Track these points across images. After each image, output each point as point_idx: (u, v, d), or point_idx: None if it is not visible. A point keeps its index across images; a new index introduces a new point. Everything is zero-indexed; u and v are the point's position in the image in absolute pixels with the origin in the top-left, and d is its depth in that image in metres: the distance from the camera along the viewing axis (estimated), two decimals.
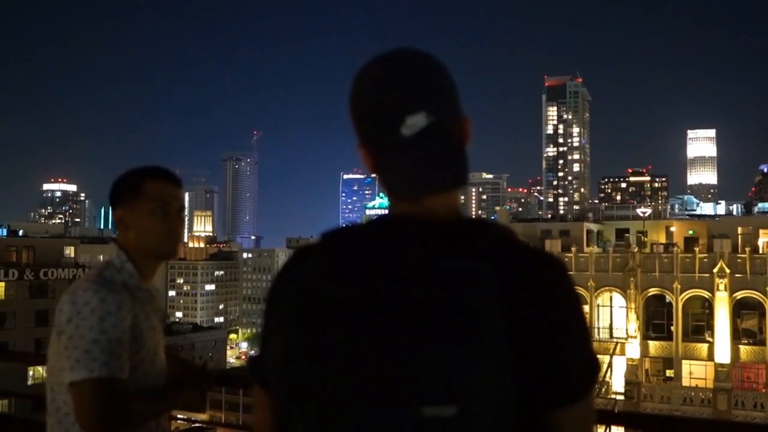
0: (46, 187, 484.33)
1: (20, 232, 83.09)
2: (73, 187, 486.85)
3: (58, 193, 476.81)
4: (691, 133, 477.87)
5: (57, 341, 2.33)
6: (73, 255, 72.86)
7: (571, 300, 1.34)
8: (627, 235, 51.55)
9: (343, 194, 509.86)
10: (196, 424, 55.74)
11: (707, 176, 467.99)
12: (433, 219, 1.32)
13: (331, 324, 1.16)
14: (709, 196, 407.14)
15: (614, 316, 46.83)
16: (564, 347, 1.29)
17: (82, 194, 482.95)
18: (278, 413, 1.23)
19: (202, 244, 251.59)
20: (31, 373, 57.07)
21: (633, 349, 45.31)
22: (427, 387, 1.12)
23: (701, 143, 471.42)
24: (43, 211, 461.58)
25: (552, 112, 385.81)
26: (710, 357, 44.20)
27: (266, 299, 1.42)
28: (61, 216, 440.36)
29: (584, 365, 1.32)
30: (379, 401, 1.12)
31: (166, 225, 2.52)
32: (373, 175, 1.42)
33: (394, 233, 1.30)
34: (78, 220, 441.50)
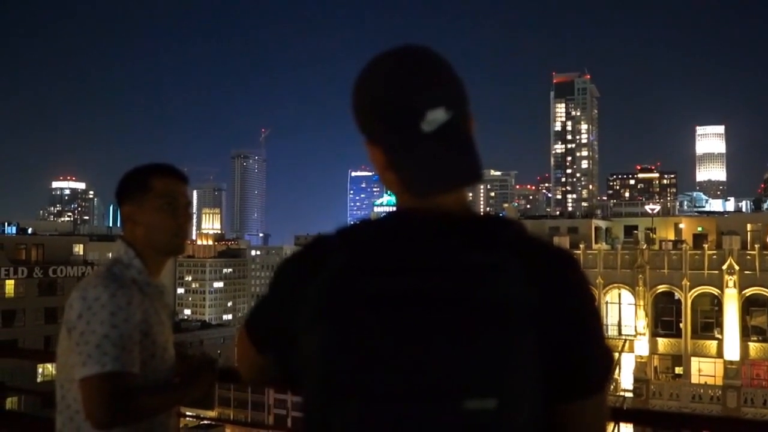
0: (55, 185, 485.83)
1: (29, 230, 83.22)
2: (81, 185, 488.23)
3: (67, 191, 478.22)
4: (700, 130, 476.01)
5: (67, 337, 2.33)
6: (82, 253, 73.09)
7: (588, 293, 1.35)
8: (635, 232, 51.40)
9: (351, 191, 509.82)
10: (205, 421, 55.63)
11: (716, 173, 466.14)
12: (449, 212, 1.32)
13: (369, 319, 1.16)
14: (718, 192, 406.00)
15: (623, 313, 46.70)
16: (584, 340, 1.30)
17: (91, 192, 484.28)
18: (311, 410, 1.23)
19: (210, 242, 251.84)
20: (40, 370, 57.29)
21: (642, 347, 45.19)
22: (469, 380, 1.12)
23: (710, 140, 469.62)
24: (52, 209, 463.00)
25: (560, 108, 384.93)
26: (719, 354, 44.05)
27: (280, 286, 1.42)
28: (69, 214, 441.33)
29: (601, 357, 1.34)
30: (420, 395, 1.12)
31: (174, 221, 2.53)
32: (380, 168, 1.38)
33: (417, 228, 1.29)
34: (87, 217, 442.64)
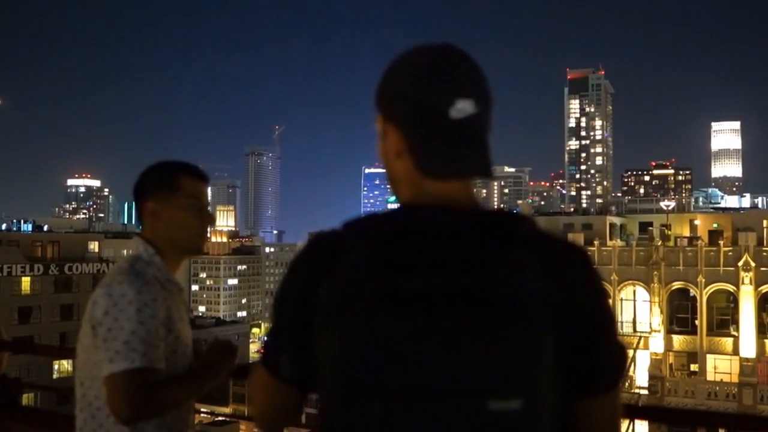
0: (70, 182, 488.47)
1: (45, 228, 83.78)
2: (97, 183, 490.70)
3: (82, 189, 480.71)
4: (715, 125, 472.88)
5: (91, 335, 2.34)
6: (97, 250, 73.42)
7: (602, 288, 1.36)
8: (650, 228, 51.14)
9: (365, 188, 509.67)
10: (220, 418, 56.07)
11: (732, 169, 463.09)
12: (457, 205, 1.33)
13: (391, 317, 1.15)
14: (734, 188, 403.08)
15: (637, 310, 46.51)
16: (599, 336, 1.31)
17: (106, 189, 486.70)
18: (331, 410, 1.21)
19: (224, 239, 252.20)
20: (56, 366, 57.70)
21: (657, 344, 44.99)
22: (493, 380, 1.11)
23: (726, 135, 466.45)
24: (68, 206, 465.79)
25: (574, 105, 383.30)
26: (735, 351, 43.79)
27: (289, 290, 1.39)
28: (85, 211, 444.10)
29: (616, 353, 1.34)
30: (443, 395, 1.11)
31: (199, 222, 2.56)
32: (393, 153, 1.38)
33: (432, 223, 1.28)
34: (102, 215, 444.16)
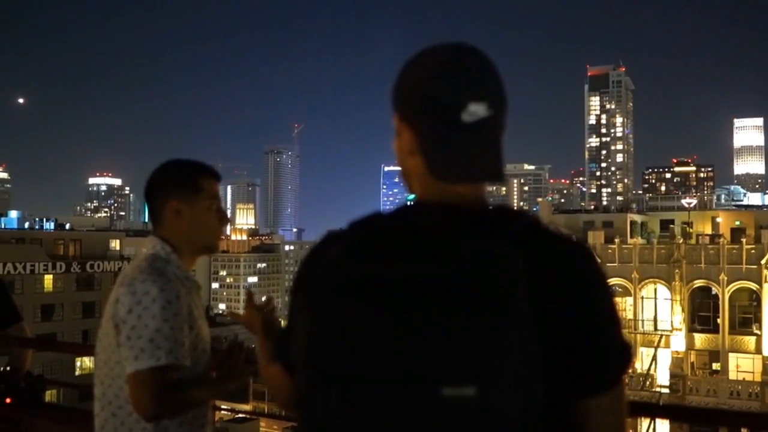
0: (91, 181, 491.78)
1: (67, 226, 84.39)
2: (118, 181, 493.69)
3: (104, 187, 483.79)
4: (738, 122, 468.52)
5: (113, 333, 2.35)
6: (118, 248, 74.02)
7: (599, 284, 1.34)
8: (672, 226, 50.86)
9: (384, 186, 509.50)
10: (240, 415, 56.24)
11: (755, 166, 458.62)
12: (462, 205, 1.34)
13: (354, 304, 1.16)
14: (757, 186, 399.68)
15: (659, 308, 46.20)
16: (595, 333, 1.29)
17: (127, 188, 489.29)
18: (300, 395, 1.23)
19: (244, 237, 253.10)
20: (78, 363, 58.13)
21: (678, 342, 44.69)
22: (447, 366, 1.10)
23: (748, 132, 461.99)
24: (89, 204, 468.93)
25: (595, 101, 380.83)
26: (758, 350, 43.42)
27: (293, 284, 1.45)
28: (106, 209, 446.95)
29: (615, 352, 1.32)
30: (399, 381, 1.11)
31: (218, 222, 2.61)
32: (406, 152, 1.40)
33: (420, 217, 1.32)
34: (123, 213, 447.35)
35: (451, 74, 1.32)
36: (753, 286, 43.74)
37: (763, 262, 43.06)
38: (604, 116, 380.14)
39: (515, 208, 1.39)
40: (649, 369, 43.71)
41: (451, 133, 1.32)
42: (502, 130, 1.39)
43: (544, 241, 1.32)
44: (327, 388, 1.15)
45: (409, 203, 1.41)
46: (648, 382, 43.04)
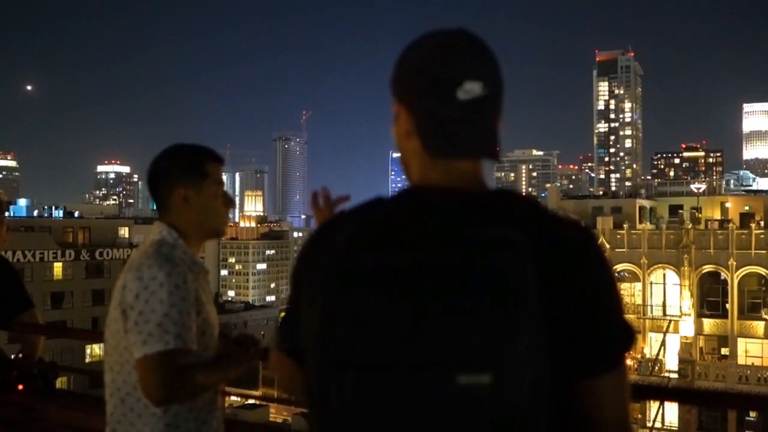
0: (100, 168, 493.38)
1: (76, 214, 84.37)
2: (126, 169, 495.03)
3: (112, 175, 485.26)
4: (747, 107, 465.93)
5: (121, 319, 2.36)
6: (127, 235, 74.12)
7: (602, 266, 1.35)
8: (681, 211, 50.58)
9: (392, 173, 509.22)
10: (250, 401, 56.46)
11: (764, 150, 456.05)
12: (462, 187, 1.35)
13: (367, 292, 1.16)
14: (766, 171, 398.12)
15: (668, 293, 46.09)
16: (596, 315, 1.29)
17: (135, 175, 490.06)
18: (311, 384, 1.23)
19: (253, 224, 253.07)
20: (88, 350, 58.47)
21: (687, 327, 44.60)
22: (463, 354, 1.11)
23: (758, 117, 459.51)
24: (98, 192, 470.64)
25: (603, 87, 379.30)
26: (767, 335, 43.32)
27: (294, 271, 1.45)
28: (115, 197, 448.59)
29: (617, 333, 1.32)
30: (413, 369, 1.12)
31: (224, 207, 2.62)
32: (404, 133, 1.41)
33: (426, 202, 1.31)
34: (131, 200, 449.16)
35: (447, 54, 1.35)
36: (762, 271, 43.58)
37: None
38: (612, 101, 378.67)
39: (518, 192, 1.41)
40: (657, 354, 43.68)
41: (446, 108, 1.34)
42: (499, 112, 1.40)
43: (545, 224, 1.32)
44: (341, 376, 1.15)
45: (410, 187, 1.42)
46: (657, 368, 43.01)
